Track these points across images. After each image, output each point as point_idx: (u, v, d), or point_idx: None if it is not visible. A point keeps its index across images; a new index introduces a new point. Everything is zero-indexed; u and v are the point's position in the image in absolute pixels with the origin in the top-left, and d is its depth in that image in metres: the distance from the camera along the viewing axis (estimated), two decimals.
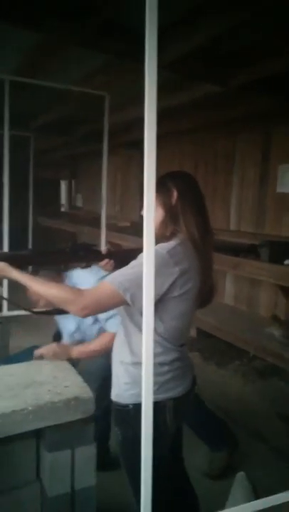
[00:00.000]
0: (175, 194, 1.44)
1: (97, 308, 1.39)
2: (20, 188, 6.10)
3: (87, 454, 1.72)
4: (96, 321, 2.14)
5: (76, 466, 1.73)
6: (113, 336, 1.67)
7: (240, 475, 1.22)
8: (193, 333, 4.50)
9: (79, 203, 8.70)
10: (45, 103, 4.17)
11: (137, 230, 4.69)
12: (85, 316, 1.38)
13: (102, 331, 2.12)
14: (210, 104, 3.68)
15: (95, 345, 2.04)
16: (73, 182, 8.92)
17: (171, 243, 1.39)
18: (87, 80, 3.38)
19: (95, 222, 4.69)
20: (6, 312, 2.86)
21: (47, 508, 1.70)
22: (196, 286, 1.44)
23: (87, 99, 3.29)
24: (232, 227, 4.74)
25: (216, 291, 1.59)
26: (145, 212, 1.12)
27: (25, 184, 5.95)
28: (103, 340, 2.01)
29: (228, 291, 4.74)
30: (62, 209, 9.49)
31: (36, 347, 3.08)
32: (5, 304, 3.02)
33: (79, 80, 3.39)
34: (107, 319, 2.03)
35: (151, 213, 1.10)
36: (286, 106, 3.19)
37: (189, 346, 4.32)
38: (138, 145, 6.03)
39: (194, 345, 4.28)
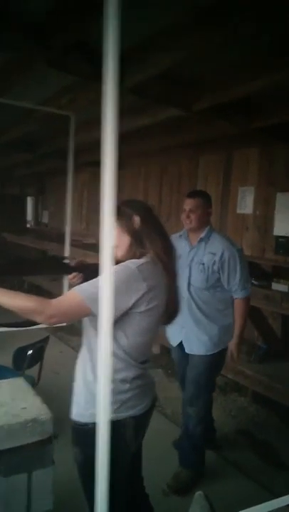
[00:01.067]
0: (137, 219, 1.50)
1: (64, 317, 1.39)
2: None
3: (44, 477, 1.68)
4: None
5: (33, 491, 1.69)
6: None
7: (198, 494, 1.22)
8: (156, 349, 4.51)
9: (45, 220, 8.63)
10: (10, 121, 4.16)
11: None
12: (53, 324, 1.36)
13: None
14: (173, 126, 3.78)
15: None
16: (40, 198, 8.85)
17: (141, 260, 1.44)
18: (54, 99, 3.41)
19: (61, 239, 4.67)
20: None
21: None
22: (161, 304, 1.48)
23: (53, 118, 3.31)
24: None
25: (180, 309, 1.63)
26: (104, 232, 1.15)
27: None
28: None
29: None
30: (28, 225, 9.38)
31: (2, 366, 3.02)
32: None
33: (46, 99, 3.42)
34: None
35: (109, 233, 1.13)
36: (245, 130, 3.32)
37: (153, 363, 4.32)
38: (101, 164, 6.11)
39: (158, 362, 4.29)
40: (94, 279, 1.36)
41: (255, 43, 2.36)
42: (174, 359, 2.81)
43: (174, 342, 2.65)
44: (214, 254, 2.45)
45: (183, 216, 2.55)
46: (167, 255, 1.50)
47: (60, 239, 5.36)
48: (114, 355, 1.40)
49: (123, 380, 1.44)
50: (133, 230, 1.50)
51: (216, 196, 4.49)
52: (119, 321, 1.38)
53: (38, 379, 2.83)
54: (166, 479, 2.48)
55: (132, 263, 1.41)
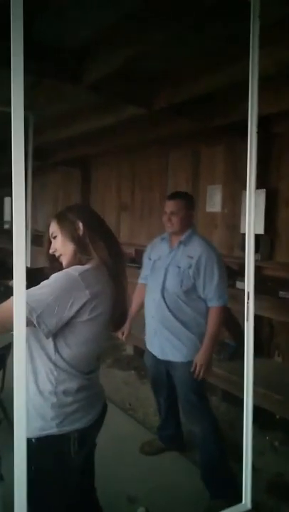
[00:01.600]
0: (80, 225, 1.45)
1: (1, 325, 1.29)
2: None
3: None
4: None
5: None
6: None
7: (141, 511, 1.17)
8: (130, 350, 4.48)
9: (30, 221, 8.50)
10: None
11: None
12: None
13: None
14: (137, 124, 3.75)
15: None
16: None
17: (85, 266, 1.38)
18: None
19: (37, 240, 4.59)
20: None
21: None
22: (106, 312, 1.42)
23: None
24: None
25: (128, 316, 1.59)
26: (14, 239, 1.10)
27: None
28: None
29: None
30: (6, 226, 9.23)
31: None
32: None
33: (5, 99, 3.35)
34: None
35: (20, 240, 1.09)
36: (206, 128, 3.30)
37: (125, 364, 4.30)
38: (75, 162, 6.05)
39: (130, 364, 4.26)
40: (33, 287, 1.30)
41: (211, 38, 2.34)
42: (146, 361, 2.72)
43: (148, 345, 2.58)
44: (192, 257, 2.34)
45: (164, 219, 2.45)
46: (113, 261, 1.45)
47: (36, 240, 5.28)
48: (56, 365, 1.35)
49: (66, 392, 1.38)
50: (77, 236, 1.44)
51: None
52: (61, 330, 1.33)
53: (2, 387, 2.77)
54: (134, 485, 2.43)
55: (74, 270, 1.35)
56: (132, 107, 3.12)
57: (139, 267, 4.87)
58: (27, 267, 1.69)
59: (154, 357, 2.52)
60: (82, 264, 1.40)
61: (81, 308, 1.32)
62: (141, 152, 5.00)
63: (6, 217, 9.39)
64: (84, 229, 1.45)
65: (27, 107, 3.19)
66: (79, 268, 1.36)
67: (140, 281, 2.74)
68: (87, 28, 2.40)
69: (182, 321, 2.37)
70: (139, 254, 5.02)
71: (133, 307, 2.70)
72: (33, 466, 1.32)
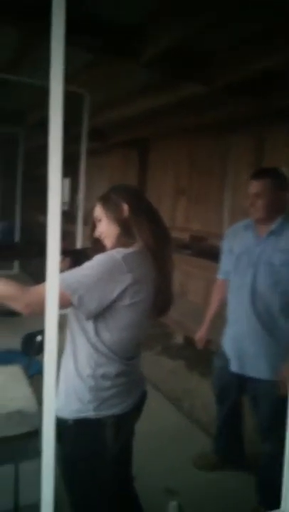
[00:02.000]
0: (125, 207, 1.40)
1: (41, 307, 1.29)
2: (9, 185, 6.12)
3: (33, 469, 1.65)
4: None
5: (21, 482, 1.66)
6: None
7: (172, 505, 1.12)
8: (180, 339, 4.41)
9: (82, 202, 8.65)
10: (32, 102, 4.11)
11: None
12: (30, 313, 1.27)
13: None
14: (197, 104, 3.58)
15: None
16: (74, 181, 8.87)
17: (129, 250, 1.34)
18: (73, 78, 3.31)
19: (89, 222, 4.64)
20: None
21: None
22: (149, 297, 1.38)
23: (70, 97, 3.21)
24: (224, 231, 4.62)
25: (173, 301, 1.52)
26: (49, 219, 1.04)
27: (13, 181, 5.92)
28: None
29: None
30: (65, 207, 9.44)
31: (10, 350, 3.04)
32: None
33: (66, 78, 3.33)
34: None
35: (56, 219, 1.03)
36: (274, 109, 3.07)
37: (174, 353, 4.23)
38: (133, 144, 5.97)
39: (180, 353, 4.18)
40: (77, 268, 1.30)
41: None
42: (215, 364, 2.35)
43: (226, 349, 2.20)
44: (288, 251, 1.93)
45: (248, 202, 2.03)
46: (158, 245, 1.40)
47: (88, 221, 5.34)
48: (96, 349, 1.34)
49: (104, 376, 1.36)
50: (121, 218, 1.40)
51: (247, 178, 4.26)
52: (102, 314, 1.31)
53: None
54: (174, 476, 2.38)
55: (118, 252, 1.32)
56: (191, 84, 2.97)
57: (193, 254, 4.81)
58: (71, 248, 1.67)
59: (228, 366, 2.16)
60: (126, 248, 1.36)
61: (123, 292, 1.29)
62: (200, 134, 4.82)
63: (64, 198, 9.60)
64: (129, 211, 1.40)
65: (83, 86, 3.17)
66: (122, 251, 1.33)
67: (220, 276, 2.31)
68: (146, 4, 2.30)
69: (275, 335, 1.97)
70: (194, 240, 4.90)
71: (212, 307, 2.38)
72: (69, 448, 1.38)
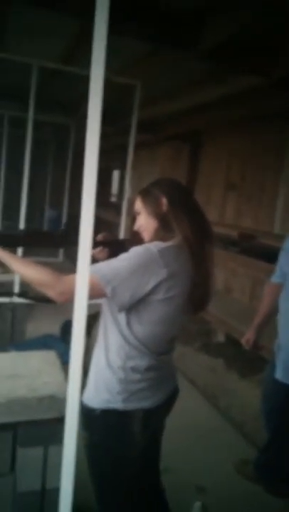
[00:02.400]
0: (164, 201, 1.38)
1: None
2: (60, 175, 6.25)
3: (61, 453, 1.67)
4: None
5: (49, 465, 1.69)
6: None
7: (197, 505, 1.08)
8: (221, 338, 4.32)
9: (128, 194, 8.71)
10: (86, 92, 4.14)
11: None
12: (63, 302, 1.28)
13: None
14: (253, 96, 3.45)
15: None
16: (125, 172, 8.93)
17: (166, 244, 1.33)
18: (126, 68, 3.30)
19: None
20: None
21: (15, 503, 1.67)
22: (184, 293, 1.35)
23: (124, 88, 3.19)
24: (276, 230, 4.45)
25: (211, 298, 1.47)
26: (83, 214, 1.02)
27: (63, 171, 6.03)
28: None
29: None
30: (114, 199, 9.54)
31: (49, 335, 3.12)
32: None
33: (118, 69, 3.32)
34: None
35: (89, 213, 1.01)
36: None
37: (215, 351, 4.16)
38: (186, 137, 5.87)
39: (220, 351, 4.10)
40: (112, 259, 1.29)
41: None
42: (265, 373, 2.28)
43: (276, 359, 2.11)
44: None
45: None
46: (198, 240, 1.36)
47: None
48: (127, 341, 1.34)
49: (134, 369, 1.36)
50: (160, 212, 1.39)
51: None
52: (135, 306, 1.30)
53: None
54: (205, 474, 2.35)
55: (155, 246, 1.30)
56: (248, 76, 2.86)
57: (240, 252, 4.67)
58: (111, 239, 1.66)
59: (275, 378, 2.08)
60: (164, 241, 1.34)
61: (157, 286, 1.27)
62: (255, 127, 4.64)
63: (113, 190, 9.68)
64: (168, 204, 1.38)
65: (138, 77, 3.14)
66: (159, 245, 1.30)
67: (273, 279, 2.21)
68: None
69: None
70: (243, 237, 4.75)
71: (262, 310, 2.27)
72: (96, 438, 1.40)
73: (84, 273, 1.03)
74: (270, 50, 2.62)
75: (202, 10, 2.43)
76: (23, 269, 1.31)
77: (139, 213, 1.44)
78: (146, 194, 1.43)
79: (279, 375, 2.02)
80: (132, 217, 1.49)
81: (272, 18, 2.24)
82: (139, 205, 1.44)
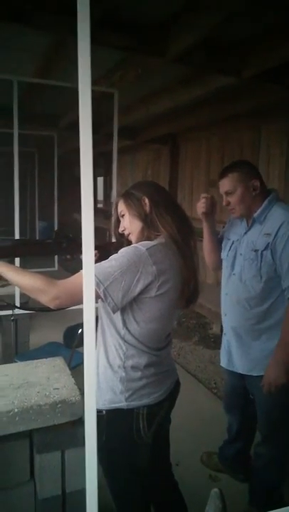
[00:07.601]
0: (147, 202, 1.41)
1: (70, 299, 1.29)
2: (47, 186, 6.30)
3: (78, 456, 1.72)
4: None
5: (67, 469, 1.74)
6: None
7: (214, 492, 1.13)
8: (217, 329, 4.41)
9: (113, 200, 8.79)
10: (67, 103, 4.20)
11: None
12: (57, 306, 1.29)
13: None
14: (226, 96, 3.55)
15: None
16: (108, 179, 9.01)
17: (153, 242, 1.35)
18: (105, 78, 3.37)
19: None
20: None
21: (38, 510, 1.71)
22: (175, 287, 1.38)
23: (101, 97, 3.27)
24: None
25: (200, 291, 1.51)
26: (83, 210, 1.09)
27: (51, 182, 6.06)
28: None
29: None
30: (100, 205, 9.60)
31: (54, 343, 3.15)
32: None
33: (96, 79, 3.39)
34: None
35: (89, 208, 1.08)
36: None
37: (212, 343, 4.25)
38: (165, 139, 5.97)
39: (217, 342, 4.18)
40: (104, 261, 1.30)
41: None
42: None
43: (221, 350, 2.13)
44: (269, 234, 1.77)
45: (224, 203, 1.91)
46: (182, 236, 1.40)
47: None
48: (124, 340, 1.36)
49: (134, 367, 1.38)
50: (144, 213, 1.41)
51: (279, 169, 4.18)
52: (129, 306, 1.33)
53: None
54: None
55: (143, 245, 1.32)
56: (220, 77, 2.95)
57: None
58: (100, 243, 1.71)
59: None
60: (151, 241, 1.37)
61: (148, 284, 1.29)
62: (231, 126, 4.77)
63: (99, 197, 9.75)
64: (150, 204, 1.41)
65: (112, 85, 3.20)
66: (147, 243, 1.33)
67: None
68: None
69: (263, 327, 1.87)
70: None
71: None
72: (104, 438, 1.40)
73: (90, 275, 1.09)
74: (240, 50, 2.71)
75: (170, 16, 2.50)
76: (18, 277, 1.31)
77: (122, 215, 1.46)
78: (128, 197, 1.45)
79: (223, 363, 2.06)
80: (116, 220, 1.50)
81: (239, 19, 2.32)
82: (122, 207, 1.46)
